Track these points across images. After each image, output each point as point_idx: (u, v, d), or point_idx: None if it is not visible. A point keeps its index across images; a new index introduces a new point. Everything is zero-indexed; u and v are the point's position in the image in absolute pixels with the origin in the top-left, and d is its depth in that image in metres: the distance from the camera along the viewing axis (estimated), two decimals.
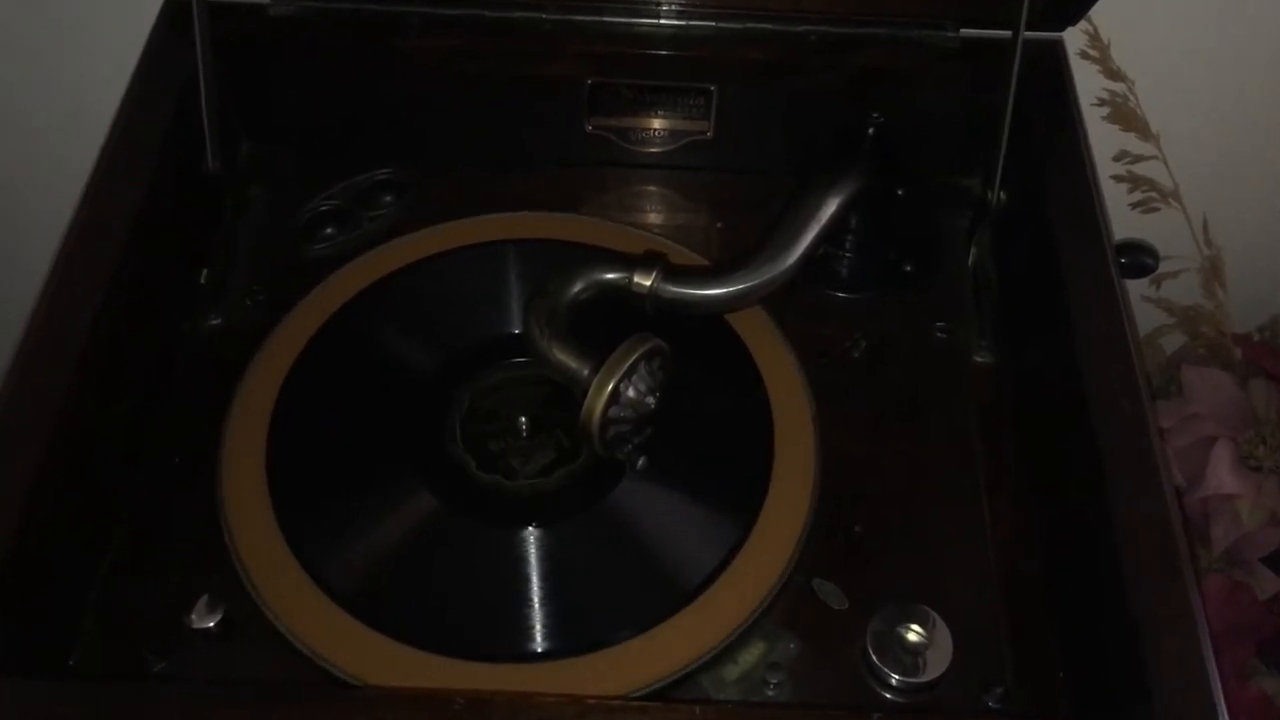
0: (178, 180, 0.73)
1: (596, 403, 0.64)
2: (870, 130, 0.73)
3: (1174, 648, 0.53)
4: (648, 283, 0.69)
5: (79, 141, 0.75)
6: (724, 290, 0.70)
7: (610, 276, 0.70)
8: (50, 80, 0.94)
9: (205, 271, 0.76)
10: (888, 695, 0.61)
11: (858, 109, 0.74)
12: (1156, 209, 0.99)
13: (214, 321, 0.74)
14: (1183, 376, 0.95)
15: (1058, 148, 0.72)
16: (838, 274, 0.78)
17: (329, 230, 0.79)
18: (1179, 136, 0.94)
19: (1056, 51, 0.78)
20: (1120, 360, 0.61)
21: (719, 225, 0.81)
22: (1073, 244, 0.67)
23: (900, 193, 0.77)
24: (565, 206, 0.81)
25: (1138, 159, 0.96)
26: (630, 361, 0.64)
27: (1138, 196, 0.98)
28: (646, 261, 0.70)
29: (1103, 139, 0.93)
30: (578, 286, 0.70)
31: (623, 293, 0.70)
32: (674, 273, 0.70)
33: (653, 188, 0.83)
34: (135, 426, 0.69)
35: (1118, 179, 0.97)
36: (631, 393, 0.64)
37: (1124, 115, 0.94)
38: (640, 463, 0.66)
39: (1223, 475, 0.88)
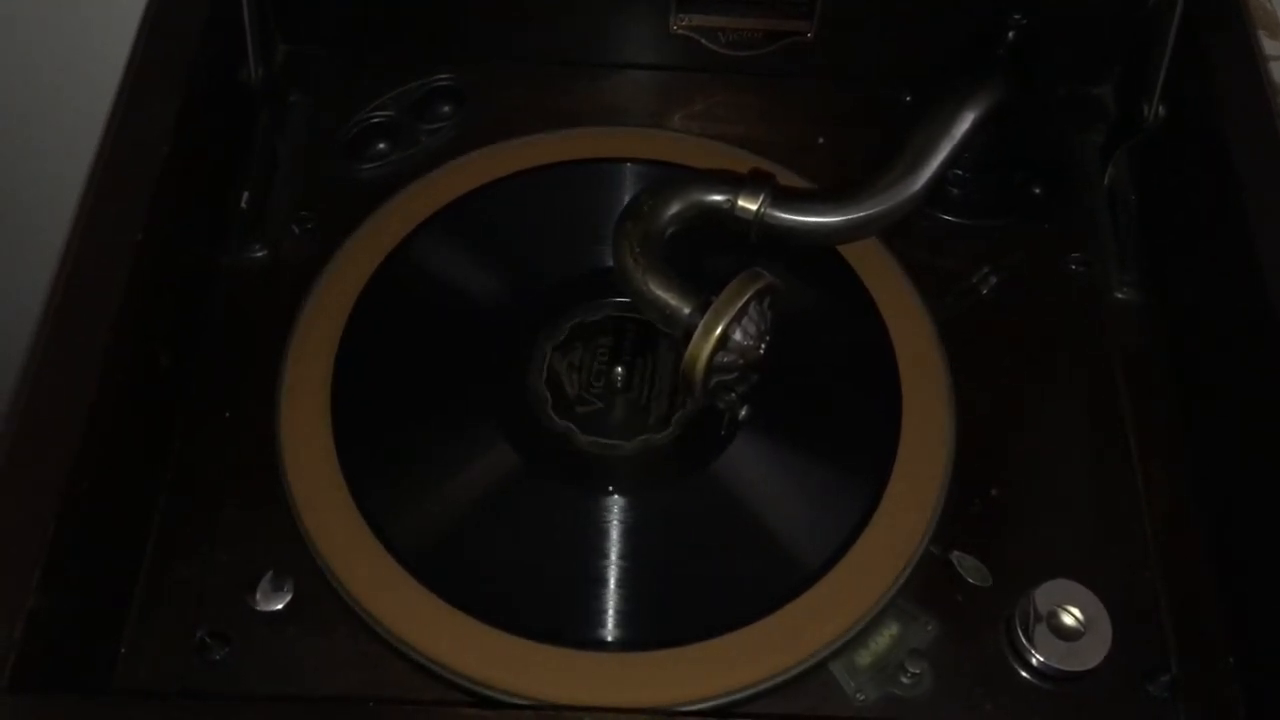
0: (214, 92, 0.64)
1: (702, 348, 0.56)
2: (1010, 34, 0.64)
3: None
4: (754, 206, 0.61)
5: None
6: (842, 218, 0.62)
7: (712, 198, 0.62)
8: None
9: (245, 195, 0.67)
10: (1039, 684, 0.54)
11: (989, 6, 0.65)
12: None
13: (258, 253, 0.66)
14: None
15: (1226, 48, 0.63)
16: (952, 196, 0.69)
17: (380, 146, 0.70)
18: None
19: None
20: None
21: (820, 140, 0.72)
22: (1254, 166, 0.58)
23: (1028, 102, 0.68)
24: (646, 115, 0.72)
25: (1266, 58, 0.87)
26: (742, 302, 0.56)
27: None
28: (753, 183, 0.62)
29: None
30: (674, 209, 0.61)
31: (723, 217, 0.62)
32: (784, 196, 0.62)
33: (745, 97, 0.73)
34: (179, 378, 0.61)
35: None
36: (740, 336, 0.57)
37: (1253, 9, 0.85)
38: (743, 413, 0.58)
39: None
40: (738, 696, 0.53)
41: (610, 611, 0.55)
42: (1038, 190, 0.69)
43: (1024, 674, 0.55)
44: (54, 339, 0.53)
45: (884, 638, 0.55)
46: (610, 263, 0.62)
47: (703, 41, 0.72)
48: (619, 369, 0.61)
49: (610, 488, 0.58)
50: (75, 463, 0.50)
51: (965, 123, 0.62)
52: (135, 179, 0.57)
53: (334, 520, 0.56)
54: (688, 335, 0.57)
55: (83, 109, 0.75)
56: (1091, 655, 0.54)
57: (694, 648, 0.53)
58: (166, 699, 0.52)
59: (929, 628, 0.56)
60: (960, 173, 0.69)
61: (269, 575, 0.55)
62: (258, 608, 0.54)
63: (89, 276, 0.55)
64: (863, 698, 0.54)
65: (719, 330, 0.56)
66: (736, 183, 0.62)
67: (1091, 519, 0.59)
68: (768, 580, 0.55)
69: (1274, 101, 0.61)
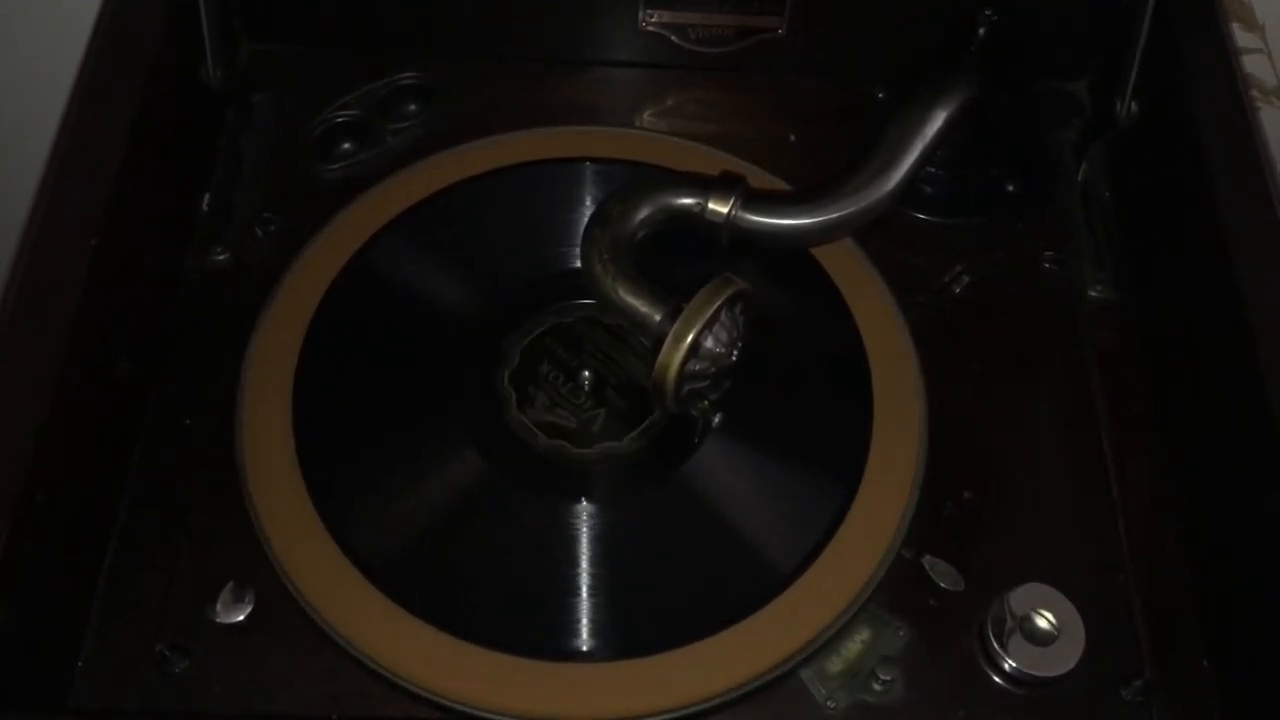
0: (172, 93, 0.62)
1: (673, 358, 0.55)
2: (982, 30, 0.63)
3: None
4: (725, 210, 0.60)
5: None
6: (814, 220, 0.61)
7: (682, 202, 0.61)
8: None
9: (206, 197, 0.66)
10: (1012, 689, 0.54)
11: (961, 2, 0.64)
12: (1256, 109, 0.89)
13: (219, 256, 0.64)
14: None
15: (1199, 42, 0.62)
16: (926, 194, 0.68)
17: (346, 146, 0.69)
18: None
19: None
20: None
21: (792, 138, 0.71)
22: (1227, 161, 0.57)
23: (1002, 100, 0.67)
24: (616, 113, 0.71)
25: (1239, 52, 0.86)
26: (712, 309, 0.55)
27: None
28: (724, 185, 0.61)
29: None
30: (644, 213, 0.60)
31: (694, 221, 0.61)
32: (755, 198, 0.61)
33: (717, 94, 0.72)
34: (138, 385, 0.59)
35: None
36: (711, 344, 0.56)
37: (1226, 1, 0.85)
38: (716, 420, 0.58)
39: None
40: (707, 705, 0.52)
41: (578, 621, 0.54)
42: (1011, 188, 0.69)
43: (997, 679, 0.54)
44: (7, 345, 0.52)
45: (855, 644, 0.55)
46: (580, 264, 0.61)
47: (672, 38, 0.71)
48: (587, 373, 0.60)
49: (577, 494, 0.57)
50: (29, 473, 0.49)
51: (938, 121, 0.61)
52: (91, 180, 0.56)
53: (296, 530, 0.55)
54: (658, 343, 0.56)
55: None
56: (1065, 660, 0.53)
57: (662, 656, 0.53)
58: (125, 716, 0.51)
59: (901, 633, 0.55)
60: (934, 170, 0.68)
61: (230, 586, 0.54)
62: (218, 619, 0.54)
63: (44, 281, 0.54)
64: (834, 705, 0.53)
65: (690, 339, 0.55)
66: (707, 185, 0.61)
67: (1065, 521, 0.58)
68: (737, 586, 0.55)
69: (1247, 95, 0.61)
